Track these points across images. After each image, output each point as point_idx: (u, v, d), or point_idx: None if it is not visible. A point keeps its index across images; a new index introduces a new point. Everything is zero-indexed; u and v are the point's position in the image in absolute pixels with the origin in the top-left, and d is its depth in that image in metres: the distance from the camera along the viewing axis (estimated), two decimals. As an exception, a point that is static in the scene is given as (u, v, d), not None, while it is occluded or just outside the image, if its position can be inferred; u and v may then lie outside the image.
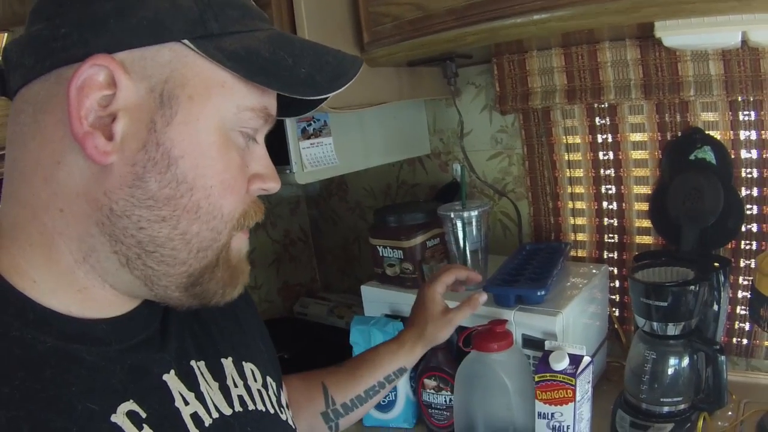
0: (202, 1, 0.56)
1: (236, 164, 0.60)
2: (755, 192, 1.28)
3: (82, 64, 0.52)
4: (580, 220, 1.57)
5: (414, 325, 1.13)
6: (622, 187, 1.47)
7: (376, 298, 1.54)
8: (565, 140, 1.54)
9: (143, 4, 0.54)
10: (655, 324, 1.13)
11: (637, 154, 1.43)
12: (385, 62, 1.33)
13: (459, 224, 1.39)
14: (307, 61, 0.60)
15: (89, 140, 0.52)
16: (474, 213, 1.38)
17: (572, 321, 1.23)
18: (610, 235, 1.53)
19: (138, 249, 0.57)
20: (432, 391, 1.33)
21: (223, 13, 0.58)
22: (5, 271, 0.55)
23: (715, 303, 1.22)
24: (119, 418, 0.54)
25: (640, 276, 1.17)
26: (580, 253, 1.60)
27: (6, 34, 1.27)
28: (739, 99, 1.24)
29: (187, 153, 0.56)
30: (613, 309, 1.55)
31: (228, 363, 0.74)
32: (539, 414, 1.09)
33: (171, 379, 0.63)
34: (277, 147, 1.31)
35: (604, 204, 1.52)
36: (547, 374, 1.07)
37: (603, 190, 1.51)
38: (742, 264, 1.33)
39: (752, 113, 1.25)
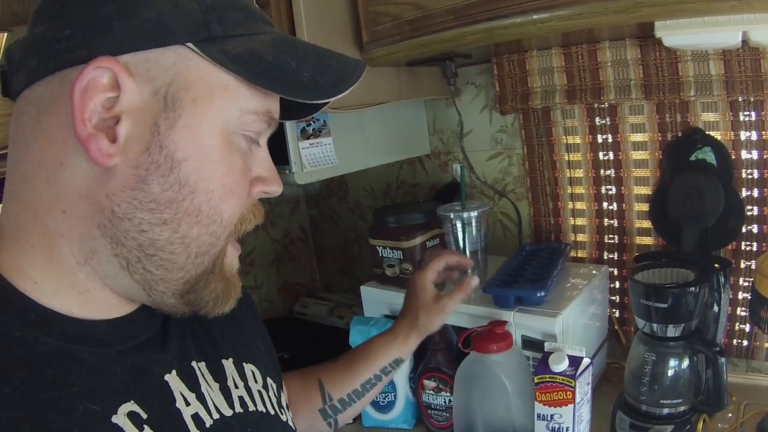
0: (205, 4, 0.56)
1: (239, 168, 0.61)
2: (756, 193, 1.27)
3: (86, 66, 0.52)
4: (580, 221, 1.57)
5: (407, 315, 1.12)
6: (623, 188, 1.47)
7: (375, 299, 1.54)
8: (565, 140, 1.53)
9: (147, 6, 0.54)
10: (655, 325, 1.13)
11: (638, 155, 1.43)
12: (385, 62, 1.33)
13: (458, 225, 1.39)
14: (310, 64, 0.60)
15: (92, 142, 0.52)
16: (473, 213, 1.37)
17: (572, 322, 1.23)
18: (611, 236, 1.52)
19: (138, 252, 0.57)
20: (431, 392, 1.32)
21: (227, 15, 0.58)
22: (7, 272, 0.55)
23: (715, 304, 1.22)
24: (120, 418, 0.54)
25: (640, 277, 1.16)
26: (581, 253, 1.59)
27: (5, 34, 1.27)
28: (740, 99, 1.24)
29: (190, 156, 0.56)
30: (614, 310, 1.54)
31: (229, 364, 0.74)
32: (538, 415, 1.09)
33: (173, 379, 0.63)
34: (277, 147, 1.31)
35: (605, 204, 1.51)
36: (547, 376, 1.07)
37: (603, 191, 1.50)
38: (742, 265, 1.32)
39: (753, 114, 1.24)
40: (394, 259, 1.49)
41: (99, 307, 0.58)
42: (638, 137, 1.42)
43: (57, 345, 0.53)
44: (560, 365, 1.06)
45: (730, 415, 1.20)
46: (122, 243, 0.56)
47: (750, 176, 1.27)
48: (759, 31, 0.97)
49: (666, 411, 1.14)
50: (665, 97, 1.31)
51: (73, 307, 0.56)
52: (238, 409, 0.70)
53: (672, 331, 1.12)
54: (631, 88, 1.36)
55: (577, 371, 1.05)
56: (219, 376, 0.71)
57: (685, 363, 1.13)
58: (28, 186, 0.56)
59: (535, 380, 1.08)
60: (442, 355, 1.29)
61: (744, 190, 1.28)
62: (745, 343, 1.35)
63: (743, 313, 1.34)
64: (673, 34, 1.01)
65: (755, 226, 1.29)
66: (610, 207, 1.50)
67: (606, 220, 1.52)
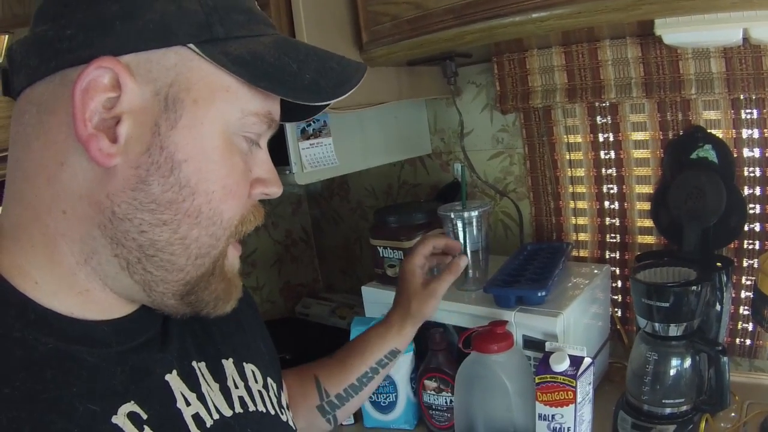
0: (207, 5, 0.56)
1: (239, 169, 0.61)
2: (758, 191, 1.27)
3: (87, 66, 0.52)
4: (581, 220, 1.56)
5: (399, 304, 1.12)
6: (624, 187, 1.46)
7: (376, 299, 1.53)
8: (566, 139, 1.53)
9: (149, 6, 0.54)
10: (656, 325, 1.12)
11: (639, 153, 1.42)
12: (385, 62, 1.33)
13: (459, 224, 1.38)
14: (311, 66, 0.60)
15: (93, 142, 0.52)
16: (474, 213, 1.37)
17: (573, 322, 1.23)
18: (612, 235, 1.52)
19: (138, 253, 0.57)
20: (432, 392, 1.32)
21: (229, 17, 0.58)
22: (7, 272, 0.54)
23: (717, 303, 1.21)
24: (120, 419, 0.54)
25: (641, 276, 1.16)
26: (582, 253, 1.59)
27: (6, 36, 1.27)
28: (741, 97, 1.23)
29: (190, 157, 0.56)
30: (615, 309, 1.54)
31: (229, 364, 0.74)
32: (540, 415, 1.09)
33: (173, 379, 0.63)
34: (277, 147, 1.31)
35: (606, 203, 1.51)
36: (548, 375, 1.07)
37: (605, 190, 1.50)
38: (744, 264, 1.32)
39: (755, 111, 1.23)
40: (394, 259, 1.49)
41: (99, 307, 0.58)
42: (639, 136, 1.41)
43: (57, 345, 0.53)
44: (561, 365, 1.06)
45: (732, 414, 1.20)
46: (122, 243, 0.56)
47: (752, 174, 1.26)
48: (760, 28, 0.97)
49: (668, 411, 1.13)
50: (666, 95, 1.31)
51: (73, 308, 0.56)
52: (238, 409, 0.70)
53: (674, 331, 1.11)
54: (632, 86, 1.35)
55: (579, 371, 1.05)
56: (219, 376, 0.71)
57: (688, 362, 1.12)
58: (29, 186, 0.56)
59: (536, 380, 1.08)
60: (443, 356, 1.29)
61: (746, 188, 1.28)
62: (747, 342, 1.34)
63: (746, 312, 1.33)
64: (673, 31, 1.00)
65: (757, 224, 1.28)
66: (612, 206, 1.50)
67: (607, 219, 1.52)
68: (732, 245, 1.32)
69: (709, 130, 1.30)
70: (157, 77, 0.54)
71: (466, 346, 1.17)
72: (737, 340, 1.35)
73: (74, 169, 0.54)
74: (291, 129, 1.33)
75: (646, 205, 1.44)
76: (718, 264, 1.23)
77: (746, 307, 1.33)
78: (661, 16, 0.97)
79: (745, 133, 1.26)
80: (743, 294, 1.33)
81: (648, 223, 1.45)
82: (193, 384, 0.65)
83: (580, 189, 1.54)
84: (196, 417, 0.62)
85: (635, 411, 1.16)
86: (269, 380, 0.81)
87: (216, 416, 0.65)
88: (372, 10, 1.23)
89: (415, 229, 1.47)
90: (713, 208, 1.25)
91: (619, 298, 1.54)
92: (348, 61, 0.64)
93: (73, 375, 0.53)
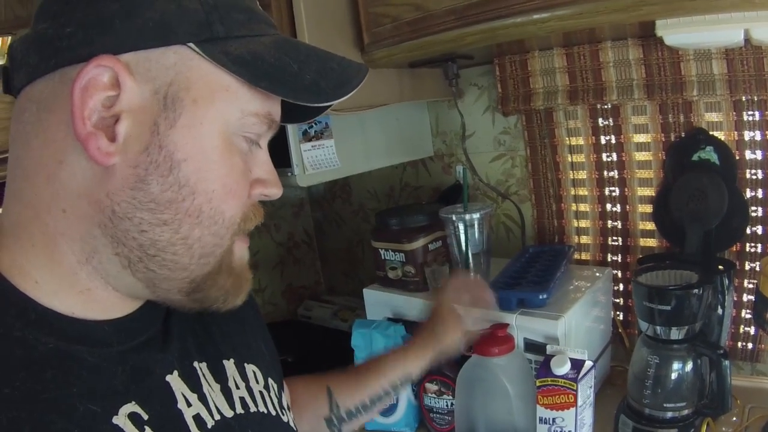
0: (208, 4, 0.56)
1: (239, 169, 0.60)
2: (760, 193, 1.26)
3: (86, 64, 0.51)
4: (583, 223, 1.56)
5: (425, 331, 1.11)
6: (626, 189, 1.46)
7: (378, 302, 1.53)
8: (568, 142, 1.53)
9: (149, 5, 0.53)
10: (658, 328, 1.12)
11: (641, 156, 1.42)
12: (386, 63, 1.32)
13: (461, 227, 1.38)
14: (312, 67, 0.60)
15: (92, 141, 0.52)
16: (476, 215, 1.37)
17: (575, 325, 1.22)
18: (614, 238, 1.51)
19: (139, 252, 0.56)
20: (433, 395, 1.32)
21: (230, 16, 0.57)
22: (7, 272, 0.54)
23: (719, 306, 1.21)
24: (121, 419, 0.53)
25: (643, 279, 1.15)
26: (584, 256, 1.58)
27: (9, 38, 1.27)
28: (743, 99, 1.23)
29: (189, 156, 0.55)
30: (618, 313, 1.53)
31: (230, 364, 0.74)
32: (540, 419, 1.08)
33: (174, 379, 0.62)
34: (279, 149, 1.31)
35: (608, 206, 1.50)
36: (549, 379, 1.07)
37: (606, 192, 1.50)
38: (747, 267, 1.31)
39: (757, 113, 1.23)
40: (396, 261, 1.49)
41: (100, 306, 0.58)
42: (641, 138, 1.41)
43: (57, 345, 0.53)
44: (562, 368, 1.06)
45: (734, 418, 1.19)
46: (123, 242, 0.56)
47: (754, 177, 1.26)
48: (761, 29, 0.96)
49: (669, 414, 1.13)
50: (668, 97, 1.30)
51: (74, 307, 0.56)
52: (239, 410, 0.70)
53: (675, 334, 1.11)
54: (634, 88, 1.35)
55: (580, 374, 1.05)
56: (220, 376, 0.70)
57: (689, 366, 1.12)
58: (28, 184, 0.56)
59: (537, 383, 1.08)
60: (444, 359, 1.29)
61: (748, 190, 1.27)
62: (749, 345, 1.33)
63: (748, 316, 1.32)
64: (674, 32, 1.00)
65: (760, 227, 1.28)
66: (614, 208, 1.50)
67: (609, 221, 1.51)
68: (734, 248, 1.32)
69: (711, 132, 1.29)
70: (157, 76, 0.54)
71: (468, 348, 1.16)
72: (739, 344, 1.34)
73: (73, 168, 0.54)
74: (292, 131, 1.33)
75: (648, 208, 1.44)
76: (720, 267, 1.22)
77: (748, 311, 1.32)
78: (662, 17, 0.97)
79: (747, 135, 1.25)
80: (745, 297, 1.32)
81: (650, 225, 1.45)
82: (194, 384, 0.65)
83: (582, 191, 1.54)
84: (197, 418, 0.62)
85: (636, 415, 1.15)
86: (270, 381, 0.80)
87: (217, 417, 0.65)
88: (373, 12, 1.23)
89: (416, 232, 1.47)
90: (715, 210, 1.24)
91: (621, 301, 1.54)
92: (349, 62, 0.64)
93: (73, 375, 0.53)
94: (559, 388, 1.06)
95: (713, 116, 1.29)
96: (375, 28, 1.24)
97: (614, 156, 1.46)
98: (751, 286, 1.31)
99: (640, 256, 1.45)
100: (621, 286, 1.53)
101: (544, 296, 1.23)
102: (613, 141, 1.45)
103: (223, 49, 0.56)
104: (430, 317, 1.14)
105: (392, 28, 1.21)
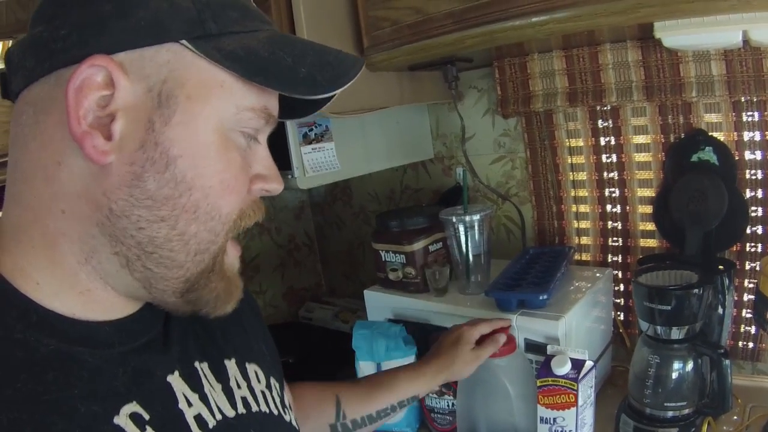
0: (200, 2, 0.56)
1: (237, 164, 0.60)
2: (760, 194, 1.27)
3: (80, 64, 0.52)
4: (583, 224, 1.56)
5: (441, 358, 1.11)
6: (626, 190, 1.46)
7: (379, 303, 1.54)
8: (567, 143, 1.53)
9: (142, 4, 0.54)
10: (658, 328, 1.12)
11: (640, 157, 1.42)
12: (386, 66, 1.33)
13: (461, 228, 1.39)
14: (307, 60, 0.60)
15: (88, 140, 0.52)
16: (476, 217, 1.37)
17: (575, 325, 1.22)
18: (614, 239, 1.52)
19: (138, 250, 0.57)
20: (435, 395, 1.32)
21: (222, 13, 0.58)
22: (8, 273, 0.54)
23: (719, 306, 1.21)
24: (122, 420, 0.54)
25: (643, 279, 1.16)
26: (585, 256, 1.59)
27: (11, 42, 1.28)
28: (742, 99, 1.23)
29: (185, 153, 0.56)
30: (618, 313, 1.53)
31: (231, 364, 0.74)
32: (541, 419, 1.09)
33: (175, 380, 0.63)
34: (279, 152, 1.31)
35: (608, 207, 1.51)
36: (549, 379, 1.07)
37: (606, 193, 1.50)
38: (747, 267, 1.31)
39: (756, 114, 1.23)
40: (397, 263, 1.49)
41: (101, 307, 0.58)
42: (641, 139, 1.41)
43: (58, 347, 0.53)
44: (563, 368, 1.06)
45: (735, 417, 1.19)
46: (121, 241, 0.56)
47: (754, 177, 1.26)
48: (759, 30, 0.96)
49: (670, 414, 1.13)
50: (667, 98, 1.31)
51: (75, 308, 0.56)
52: (241, 409, 0.70)
53: (676, 334, 1.11)
54: (633, 89, 1.35)
55: (580, 374, 1.05)
56: (221, 376, 0.71)
57: (690, 365, 1.12)
58: (28, 187, 0.56)
59: (538, 383, 1.08)
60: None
61: (748, 190, 1.28)
62: (750, 345, 1.34)
63: (748, 315, 1.33)
64: (673, 34, 1.00)
65: (759, 227, 1.28)
66: (614, 209, 1.50)
67: (610, 222, 1.51)
68: (734, 248, 1.32)
69: (710, 133, 1.30)
70: (150, 74, 0.54)
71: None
72: (740, 343, 1.35)
73: (71, 168, 0.54)
74: (293, 133, 1.34)
75: (648, 209, 1.44)
76: (720, 267, 1.23)
77: (749, 310, 1.32)
78: (660, 19, 0.97)
79: (746, 135, 1.26)
80: (746, 297, 1.33)
81: (650, 226, 1.45)
82: (195, 385, 0.65)
83: (582, 193, 1.54)
84: (198, 418, 0.62)
85: (637, 414, 1.16)
86: (272, 380, 0.81)
87: (219, 417, 0.65)
88: (372, 15, 1.24)
89: (417, 233, 1.48)
90: (715, 211, 1.24)
91: (622, 301, 1.54)
92: (345, 55, 0.64)
93: (74, 376, 0.53)
94: (559, 388, 1.06)
95: (712, 117, 1.29)
96: (375, 32, 1.25)
97: (614, 157, 1.46)
98: (751, 285, 1.31)
99: (641, 256, 1.45)
100: (621, 287, 1.53)
101: (545, 297, 1.23)
102: (613, 142, 1.45)
103: (216, 45, 0.56)
104: (450, 346, 1.12)
105: (392, 32, 1.21)
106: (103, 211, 0.55)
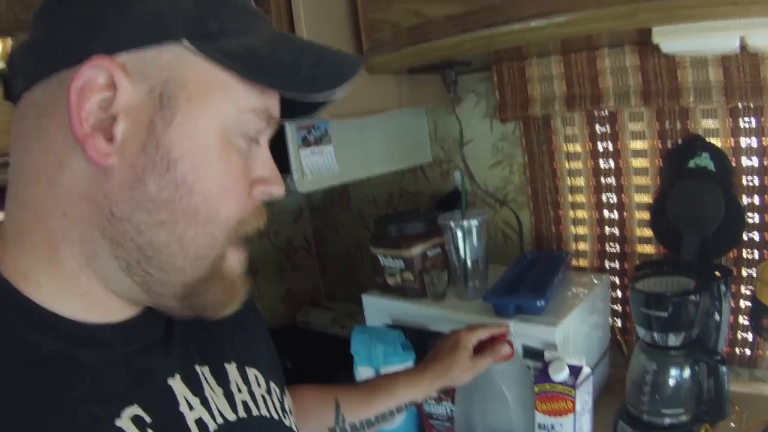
0: (201, 2, 0.56)
1: (238, 167, 0.60)
2: (756, 200, 1.26)
3: (82, 66, 0.51)
4: (581, 229, 1.56)
5: (439, 364, 1.10)
6: (623, 196, 1.46)
7: (377, 308, 1.53)
8: (565, 148, 1.53)
9: (142, 4, 0.54)
10: (655, 334, 1.12)
11: (638, 162, 1.42)
12: (385, 69, 1.33)
13: (459, 233, 1.39)
14: (307, 60, 0.59)
15: (89, 142, 0.52)
16: (474, 222, 1.37)
17: (572, 331, 1.22)
18: (611, 245, 1.52)
19: (137, 254, 0.56)
20: (433, 401, 1.32)
21: (223, 13, 0.57)
22: (10, 275, 0.54)
23: (716, 313, 1.21)
24: (124, 422, 0.53)
25: (640, 286, 1.16)
26: (582, 262, 1.58)
27: (10, 39, 1.28)
28: (740, 105, 1.23)
29: (186, 155, 0.55)
30: (615, 319, 1.53)
31: (232, 368, 0.74)
32: (539, 425, 1.08)
33: (176, 383, 0.62)
34: (278, 155, 1.31)
35: (605, 213, 1.51)
36: (547, 385, 1.07)
37: (604, 199, 1.50)
38: (744, 273, 1.31)
39: (753, 120, 1.23)
40: (395, 267, 1.49)
41: (102, 309, 0.58)
42: (638, 145, 1.41)
43: (60, 348, 0.53)
44: (560, 374, 1.06)
45: (732, 424, 1.19)
46: (122, 245, 0.56)
47: (751, 183, 1.26)
48: (757, 36, 0.96)
49: (667, 420, 1.13)
50: (665, 104, 1.31)
51: (76, 310, 0.56)
52: (242, 413, 0.70)
53: (673, 340, 1.11)
54: (631, 95, 1.35)
55: (577, 380, 1.05)
56: (222, 380, 0.70)
57: (686, 372, 1.12)
58: (30, 189, 0.56)
59: (536, 389, 1.08)
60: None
61: (745, 197, 1.28)
62: (747, 351, 1.33)
63: (745, 322, 1.32)
64: (671, 39, 1.00)
65: (756, 233, 1.28)
66: (611, 215, 1.50)
67: (607, 228, 1.51)
68: (731, 254, 1.32)
69: (707, 139, 1.30)
70: (152, 75, 0.54)
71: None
72: (737, 350, 1.35)
73: (73, 171, 0.54)
74: (292, 136, 1.34)
75: (646, 215, 1.44)
76: (717, 273, 1.23)
77: (745, 317, 1.32)
78: (658, 24, 0.97)
79: (743, 141, 1.26)
80: (742, 303, 1.32)
81: (647, 232, 1.45)
82: (196, 388, 0.65)
83: (580, 198, 1.54)
84: (199, 421, 0.62)
85: (635, 421, 1.16)
86: (272, 384, 0.80)
87: (220, 420, 0.65)
88: (372, 18, 1.24)
89: (415, 238, 1.47)
90: (712, 217, 1.25)
91: (619, 307, 1.54)
92: (345, 54, 0.64)
93: (76, 378, 0.53)
94: (557, 395, 1.06)
95: (710, 123, 1.30)
96: (374, 34, 1.25)
97: (611, 163, 1.46)
98: (748, 292, 1.31)
99: (638, 262, 1.45)
100: (619, 293, 1.53)
101: (542, 303, 1.23)
102: (611, 148, 1.45)
103: (217, 45, 0.56)
104: (448, 352, 1.12)
105: (391, 35, 1.21)
106: (104, 213, 0.55)
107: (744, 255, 1.30)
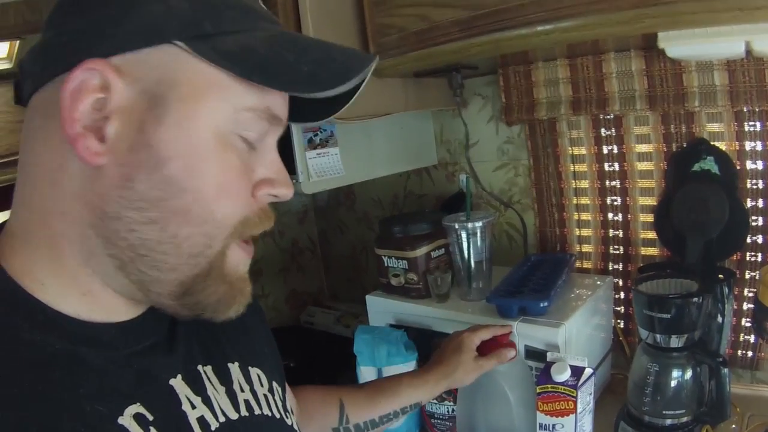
0: (196, 2, 0.56)
1: (235, 167, 0.59)
2: (761, 203, 1.27)
3: (75, 68, 0.52)
4: (585, 232, 1.57)
5: (442, 365, 1.11)
6: (628, 199, 1.47)
7: (381, 308, 1.54)
8: (570, 151, 1.54)
9: (139, 9, 0.54)
10: (658, 336, 1.13)
11: (643, 165, 1.43)
12: (391, 73, 1.34)
13: (463, 235, 1.40)
14: (310, 57, 0.58)
15: (81, 141, 0.52)
16: (478, 224, 1.38)
17: (575, 332, 1.23)
18: (616, 247, 1.52)
19: (131, 252, 0.56)
20: (435, 401, 1.32)
21: (219, 13, 0.57)
22: (16, 274, 0.55)
23: (719, 315, 1.21)
24: (126, 420, 0.54)
25: (643, 288, 1.16)
26: (586, 264, 1.59)
27: (18, 42, 1.29)
28: (744, 109, 1.24)
29: (178, 154, 0.55)
30: (618, 321, 1.54)
31: (234, 368, 0.74)
32: (540, 425, 1.09)
33: (178, 383, 0.63)
34: (284, 157, 1.31)
35: (610, 215, 1.51)
36: (549, 385, 1.07)
37: (608, 202, 1.51)
38: (747, 276, 1.32)
39: (757, 124, 1.24)
40: (399, 268, 1.50)
41: (104, 309, 0.59)
42: (643, 148, 1.42)
43: (64, 347, 0.54)
44: (562, 375, 1.06)
45: (733, 426, 1.20)
46: (115, 243, 0.56)
47: (755, 186, 1.27)
48: (762, 41, 0.97)
49: (669, 422, 1.13)
50: (670, 107, 1.31)
51: (80, 309, 0.57)
52: (244, 412, 0.70)
53: (675, 342, 1.12)
54: (636, 98, 1.36)
55: (579, 381, 1.05)
56: (225, 379, 0.71)
57: (688, 374, 1.13)
58: (35, 190, 0.57)
59: (537, 390, 1.08)
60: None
61: (749, 200, 1.28)
62: (749, 354, 1.34)
63: (748, 324, 1.33)
64: (677, 44, 1.00)
65: (760, 236, 1.29)
66: (616, 218, 1.51)
67: (611, 230, 1.52)
68: (734, 257, 1.33)
69: (712, 143, 1.30)
70: (145, 76, 0.54)
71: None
72: (739, 352, 1.35)
73: (71, 171, 0.55)
74: (298, 138, 1.34)
75: (650, 217, 1.45)
76: (720, 276, 1.23)
77: (748, 319, 1.33)
78: (663, 30, 0.98)
79: (748, 145, 1.27)
80: (745, 306, 1.33)
81: (651, 234, 1.46)
82: (198, 388, 0.65)
83: (584, 201, 1.55)
84: (201, 420, 0.62)
85: (636, 422, 1.16)
86: (274, 384, 0.81)
87: (222, 419, 0.65)
88: (379, 23, 1.24)
89: (419, 239, 1.48)
90: (716, 220, 1.25)
91: (622, 309, 1.55)
92: (354, 51, 0.62)
93: (80, 376, 0.53)
94: (559, 395, 1.06)
95: (714, 127, 1.30)
96: (381, 39, 1.25)
97: (616, 166, 1.47)
98: (751, 294, 1.32)
99: (641, 264, 1.46)
100: (622, 295, 1.54)
101: (545, 304, 1.24)
102: (616, 151, 1.46)
103: (212, 45, 0.56)
104: (452, 352, 1.12)
105: (398, 39, 1.22)
106: (96, 213, 0.55)
107: (747, 258, 1.31)
